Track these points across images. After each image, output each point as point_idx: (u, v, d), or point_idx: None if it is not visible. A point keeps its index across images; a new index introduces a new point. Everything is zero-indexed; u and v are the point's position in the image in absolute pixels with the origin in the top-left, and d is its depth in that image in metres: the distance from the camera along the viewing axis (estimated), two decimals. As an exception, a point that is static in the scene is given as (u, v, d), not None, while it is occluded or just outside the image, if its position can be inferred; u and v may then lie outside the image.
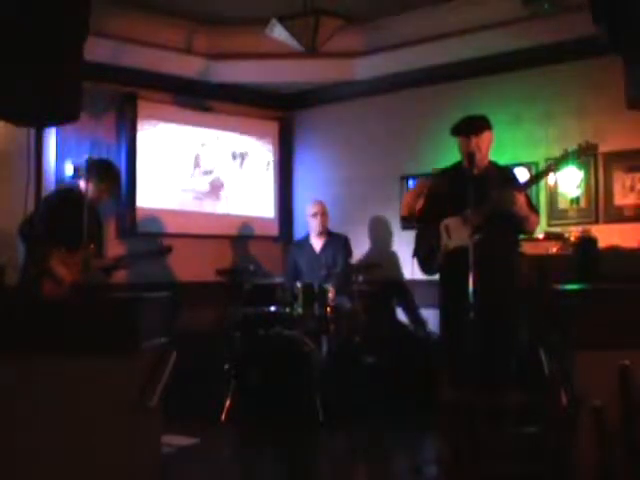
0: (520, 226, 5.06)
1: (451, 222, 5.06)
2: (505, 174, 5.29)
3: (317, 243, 7.28)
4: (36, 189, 3.57)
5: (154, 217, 7.73)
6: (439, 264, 5.16)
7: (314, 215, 7.26)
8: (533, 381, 3.75)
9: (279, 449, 5.64)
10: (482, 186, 4.85)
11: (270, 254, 8.56)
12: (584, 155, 4.90)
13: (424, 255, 5.28)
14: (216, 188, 8.26)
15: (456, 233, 5.00)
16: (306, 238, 7.40)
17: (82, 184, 5.90)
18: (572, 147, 4.87)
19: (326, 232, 7.30)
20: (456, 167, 5.19)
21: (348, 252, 7.25)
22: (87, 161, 6.03)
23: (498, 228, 4.92)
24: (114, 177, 6.08)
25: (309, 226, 7.35)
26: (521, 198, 4.91)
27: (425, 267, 5.30)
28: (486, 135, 5.10)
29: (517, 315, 5.13)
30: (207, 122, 8.22)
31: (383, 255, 7.83)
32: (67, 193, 6.02)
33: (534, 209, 5.24)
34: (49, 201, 5.68)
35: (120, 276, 7.22)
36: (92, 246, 5.73)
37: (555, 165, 4.97)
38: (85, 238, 5.40)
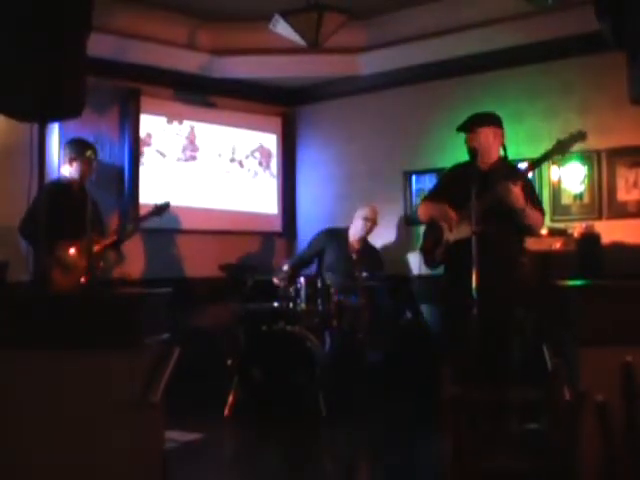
0: (521, 222, 5.04)
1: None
2: (510, 170, 5.29)
3: (355, 243, 7.15)
4: (39, 185, 3.57)
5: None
6: (440, 257, 5.18)
7: (365, 219, 7.12)
8: (536, 377, 3.75)
9: (281, 444, 5.64)
10: (487, 181, 4.86)
11: (273, 250, 8.57)
12: (575, 142, 4.90)
13: (428, 249, 5.30)
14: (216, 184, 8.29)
15: (458, 227, 5.02)
16: (344, 232, 7.22)
17: (65, 170, 6.12)
18: (564, 136, 4.90)
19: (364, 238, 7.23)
20: (467, 163, 5.20)
21: (382, 263, 7.24)
22: (63, 148, 6.28)
23: (500, 222, 4.92)
24: (90, 147, 6.22)
25: (354, 226, 7.18)
26: (516, 190, 4.91)
27: (427, 261, 5.32)
28: (482, 132, 5.10)
29: (520, 311, 5.13)
30: (210, 117, 8.22)
31: (386, 250, 7.82)
32: (55, 185, 6.04)
33: (537, 205, 5.21)
34: (41, 195, 5.72)
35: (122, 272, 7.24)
36: (93, 232, 5.80)
37: (550, 154, 4.97)
38: (88, 223, 5.56)
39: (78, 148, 6.13)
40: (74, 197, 5.94)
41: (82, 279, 5.67)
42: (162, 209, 6.36)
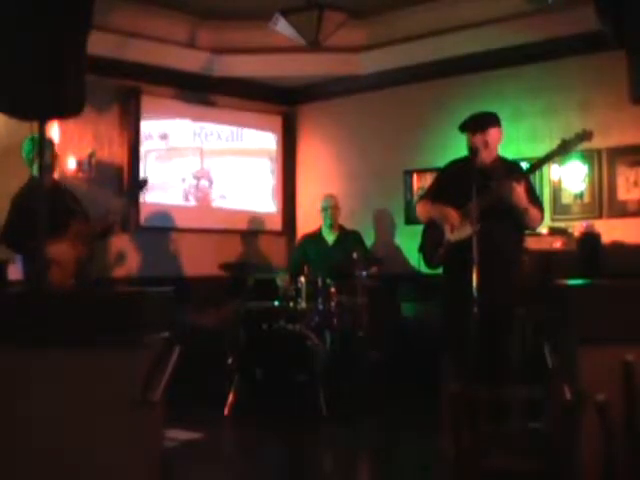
0: (522, 220, 5.04)
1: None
2: (510, 168, 5.28)
3: (330, 237, 7.33)
4: (38, 183, 3.56)
5: (158, 212, 7.73)
6: (440, 257, 5.18)
7: (324, 209, 7.34)
8: (536, 377, 3.75)
9: (281, 444, 5.64)
10: (486, 180, 4.86)
11: (274, 249, 8.57)
12: (580, 142, 4.90)
13: (428, 249, 5.30)
14: (217, 182, 8.28)
15: (458, 227, 5.02)
16: (319, 231, 7.43)
17: (34, 169, 5.89)
18: (569, 136, 4.90)
19: (338, 226, 7.35)
20: (464, 160, 5.19)
21: (364, 246, 7.29)
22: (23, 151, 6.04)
23: (499, 221, 4.92)
24: (48, 141, 6.14)
25: (322, 219, 7.41)
26: (519, 189, 4.89)
27: (428, 261, 5.32)
28: (493, 131, 5.10)
29: (520, 311, 5.12)
30: (210, 116, 8.22)
31: (386, 249, 7.83)
32: (28, 188, 5.97)
33: (537, 203, 5.20)
34: (15, 203, 5.74)
35: (123, 270, 7.25)
36: (77, 222, 5.81)
37: (554, 154, 4.97)
38: (82, 215, 5.72)
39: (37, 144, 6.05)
40: (50, 193, 5.90)
41: (75, 272, 5.67)
42: (141, 185, 6.41)
